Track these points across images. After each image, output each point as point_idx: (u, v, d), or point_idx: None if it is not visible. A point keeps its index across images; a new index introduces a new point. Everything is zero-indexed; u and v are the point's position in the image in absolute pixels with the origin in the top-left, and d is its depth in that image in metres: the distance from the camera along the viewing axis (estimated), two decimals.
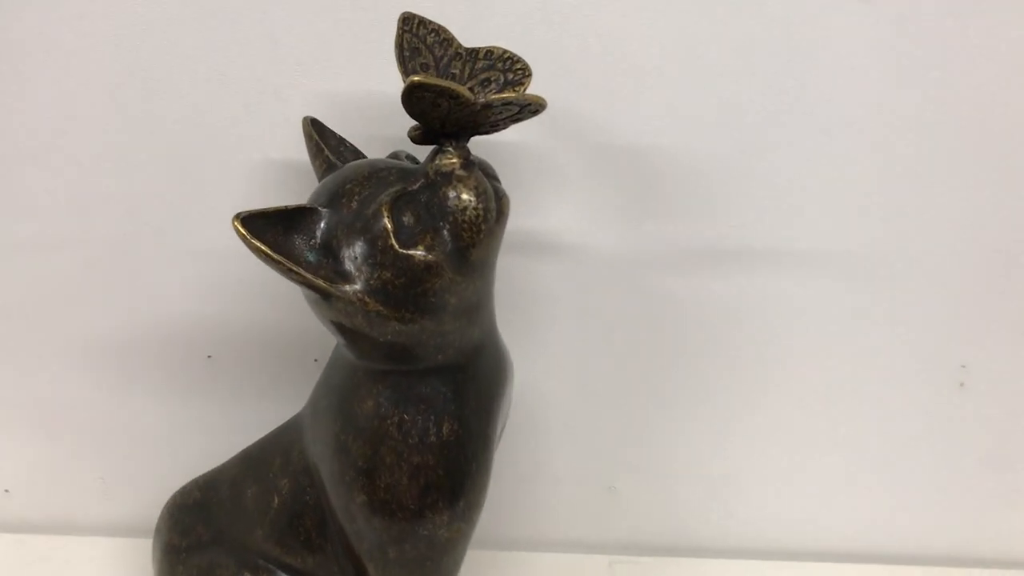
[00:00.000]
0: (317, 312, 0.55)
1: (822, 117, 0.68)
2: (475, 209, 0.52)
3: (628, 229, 0.72)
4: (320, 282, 0.51)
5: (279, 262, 0.50)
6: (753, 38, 0.66)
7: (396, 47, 0.55)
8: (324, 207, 0.53)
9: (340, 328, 0.55)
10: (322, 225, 0.53)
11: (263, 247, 0.49)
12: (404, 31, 0.56)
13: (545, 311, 0.75)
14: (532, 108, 0.51)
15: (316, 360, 0.77)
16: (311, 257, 0.52)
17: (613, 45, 0.67)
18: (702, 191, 0.71)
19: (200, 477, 0.69)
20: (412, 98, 0.48)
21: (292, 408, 0.74)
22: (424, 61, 0.55)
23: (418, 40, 0.56)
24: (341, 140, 0.62)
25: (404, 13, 0.56)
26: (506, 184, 0.55)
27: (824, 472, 0.80)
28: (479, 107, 0.49)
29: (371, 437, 0.56)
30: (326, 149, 0.59)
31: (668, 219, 0.72)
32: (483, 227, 0.52)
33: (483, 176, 0.53)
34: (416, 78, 0.46)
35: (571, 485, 0.83)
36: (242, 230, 0.49)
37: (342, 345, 0.58)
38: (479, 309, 0.57)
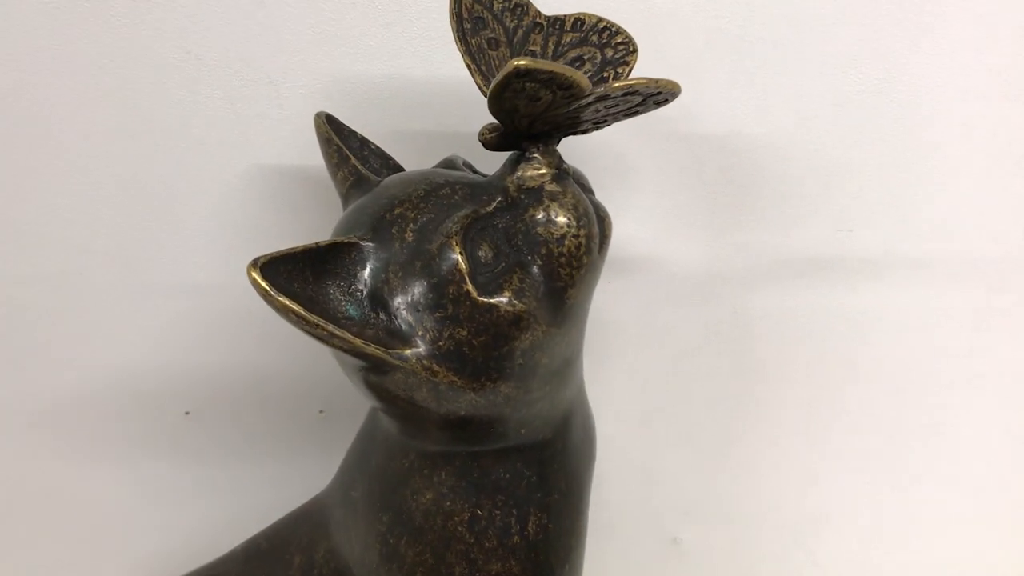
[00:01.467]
0: (356, 379, 0.41)
1: (945, 109, 0.55)
2: (575, 237, 0.38)
3: (708, 237, 0.59)
4: (372, 349, 0.37)
5: (316, 325, 0.35)
6: (871, 11, 0.52)
7: (452, 17, 0.40)
8: (366, 240, 0.38)
9: (390, 401, 0.40)
10: (367, 266, 0.38)
11: (294, 306, 0.35)
12: None
13: (603, 334, 0.63)
14: (659, 98, 0.36)
15: (322, 412, 0.62)
16: (352, 311, 0.38)
17: (697, 13, 0.52)
18: (802, 191, 0.58)
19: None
20: (508, 91, 0.33)
21: (295, 474, 0.61)
22: (492, 35, 0.41)
23: (482, 6, 0.41)
24: (364, 141, 0.47)
25: None
26: None
27: (928, 515, 0.68)
28: (592, 100, 0.35)
29: (433, 540, 0.42)
30: (351, 155, 0.44)
31: (756, 225, 0.59)
32: (585, 260, 0.38)
33: (580, 191, 0.39)
34: (522, 62, 0.31)
35: (627, 536, 0.70)
36: (263, 283, 0.34)
37: (389, 421, 0.43)
38: (571, 366, 0.43)
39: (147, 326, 0.58)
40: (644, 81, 0.35)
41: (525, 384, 0.40)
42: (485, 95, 0.39)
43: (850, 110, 0.56)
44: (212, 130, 0.53)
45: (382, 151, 0.48)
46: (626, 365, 0.64)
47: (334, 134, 0.45)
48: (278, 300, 0.35)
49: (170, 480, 0.63)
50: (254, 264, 0.35)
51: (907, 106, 0.57)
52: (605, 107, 0.37)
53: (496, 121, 0.39)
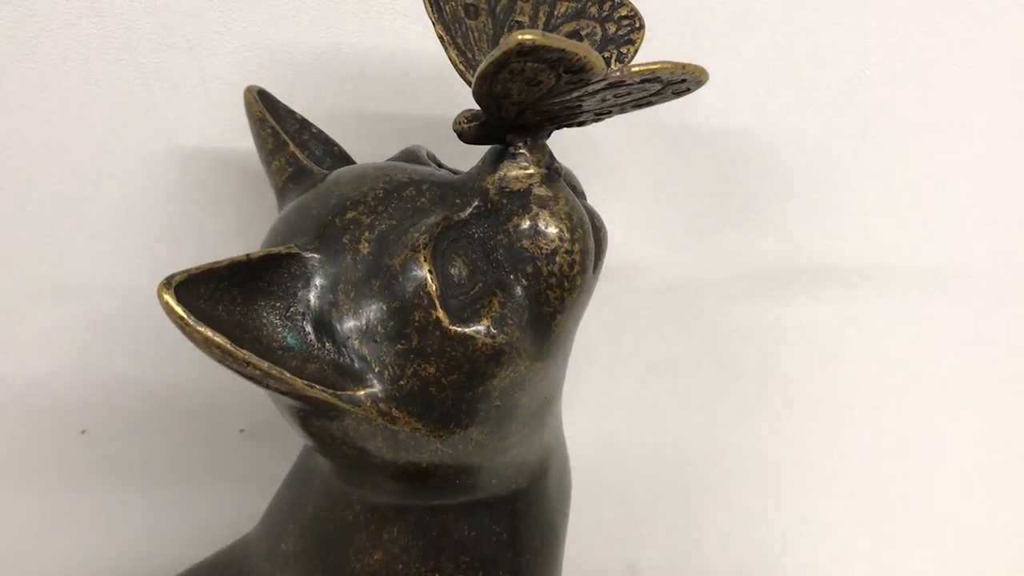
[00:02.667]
0: (292, 421, 0.33)
1: (953, 104, 0.49)
2: (568, 253, 0.31)
3: (688, 241, 0.52)
4: (317, 391, 0.29)
5: (245, 362, 0.27)
6: (873, 15, 0.46)
7: None
8: (310, 251, 0.31)
9: (335, 449, 0.33)
10: (311, 284, 0.31)
11: (218, 339, 0.27)
12: None
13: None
14: (680, 87, 0.29)
15: (242, 431, 0.53)
16: (291, 340, 0.30)
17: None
18: (792, 191, 0.52)
19: None
20: (504, 71, 0.26)
21: (211, 500, 0.52)
22: (471, 1, 0.33)
23: None
24: (303, 123, 0.39)
25: None
26: None
27: (905, 533, 0.63)
28: (603, 86, 0.28)
29: None
30: (289, 140, 0.36)
31: (741, 230, 0.52)
32: (578, 280, 0.31)
33: (574, 195, 0.32)
34: (528, 36, 0.24)
35: (582, 561, 0.62)
36: (178, 309, 0.27)
37: (330, 466, 0.35)
38: (552, 402, 0.36)
39: (37, 333, 0.48)
40: (669, 65, 0.28)
41: (501, 429, 0.33)
42: (463, 74, 0.32)
43: (846, 116, 0.50)
44: (118, 104, 0.44)
45: (325, 136, 0.40)
46: (593, 381, 0.57)
47: (268, 113, 0.37)
48: (198, 331, 0.27)
49: (66, 507, 0.54)
50: (167, 284, 0.27)
51: (904, 114, 0.51)
52: (615, 96, 0.30)
53: (477, 108, 0.31)
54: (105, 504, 0.54)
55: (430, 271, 0.30)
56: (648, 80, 0.28)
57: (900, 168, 0.53)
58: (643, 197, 0.51)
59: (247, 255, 0.30)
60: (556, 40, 0.25)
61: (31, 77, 0.42)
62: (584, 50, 0.26)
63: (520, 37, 0.24)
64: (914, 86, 0.50)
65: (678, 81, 0.29)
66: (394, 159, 0.36)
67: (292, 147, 0.36)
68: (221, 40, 0.43)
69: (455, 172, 0.36)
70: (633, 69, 0.28)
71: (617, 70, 0.27)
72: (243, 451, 0.55)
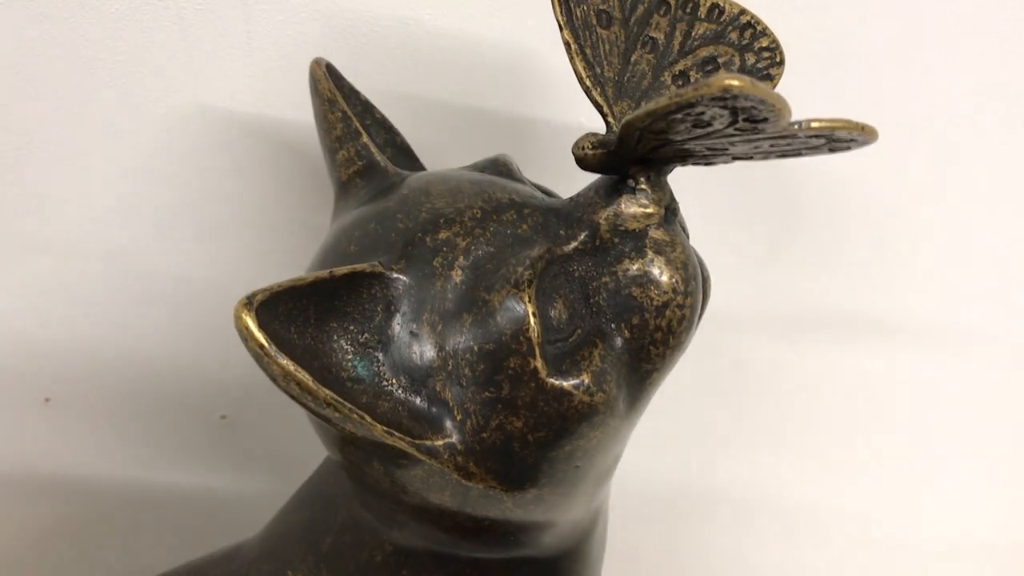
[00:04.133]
0: (343, 458, 0.29)
1: (976, 176, 0.48)
2: (679, 308, 0.27)
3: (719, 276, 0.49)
4: (395, 440, 0.25)
5: (327, 403, 0.23)
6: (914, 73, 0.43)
7: None
8: (396, 271, 0.26)
9: (392, 495, 0.29)
10: (392, 309, 0.27)
11: (300, 374, 0.23)
12: None
13: None
14: (842, 146, 0.26)
15: (224, 417, 0.49)
16: (362, 370, 0.26)
17: None
18: (827, 225, 0.49)
19: None
20: (682, 112, 0.22)
21: (189, 487, 0.47)
22: (605, 7, 0.29)
23: None
24: (367, 106, 0.35)
25: None
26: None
27: None
28: (769, 135, 0.24)
29: None
30: (363, 130, 0.32)
31: (770, 268, 0.49)
32: (684, 338, 0.28)
33: (689, 242, 0.28)
34: (736, 83, 0.20)
35: None
36: (259, 336, 0.23)
37: (363, 503, 0.31)
38: (618, 461, 0.32)
39: (17, 288, 0.43)
40: (851, 125, 0.24)
41: (574, 490, 0.30)
42: (588, 91, 0.28)
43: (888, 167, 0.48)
44: (149, 50, 0.39)
45: (388, 123, 0.36)
46: None
47: (339, 93, 0.32)
48: (277, 365, 0.23)
49: (26, 475, 0.48)
50: (248, 305, 0.23)
51: (937, 171, 0.48)
52: (770, 144, 0.26)
53: (603, 135, 0.27)
54: (69, 476, 0.49)
55: (533, 314, 0.26)
56: (818, 135, 0.25)
57: (956, 231, 0.50)
58: None
59: (330, 272, 0.26)
60: (764, 91, 0.21)
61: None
62: (783, 103, 0.22)
63: (728, 83, 0.20)
64: (949, 153, 0.48)
65: (846, 140, 0.26)
66: (479, 166, 0.32)
67: (365, 137, 0.32)
68: None
69: (544, 191, 0.32)
70: (814, 124, 0.24)
71: (796, 124, 0.24)
72: (223, 438, 0.50)
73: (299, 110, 0.40)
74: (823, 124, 0.24)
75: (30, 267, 0.44)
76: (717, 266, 0.43)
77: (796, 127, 0.24)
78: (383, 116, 0.36)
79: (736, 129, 0.24)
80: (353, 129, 0.32)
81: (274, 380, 0.24)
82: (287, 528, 0.36)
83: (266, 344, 0.23)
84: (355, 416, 0.25)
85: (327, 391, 0.24)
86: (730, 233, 0.48)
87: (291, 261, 0.45)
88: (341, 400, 0.25)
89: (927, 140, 0.47)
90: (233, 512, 0.51)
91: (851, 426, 0.56)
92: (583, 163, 0.28)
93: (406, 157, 0.36)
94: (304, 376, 0.24)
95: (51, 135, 0.39)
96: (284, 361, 0.23)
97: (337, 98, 0.32)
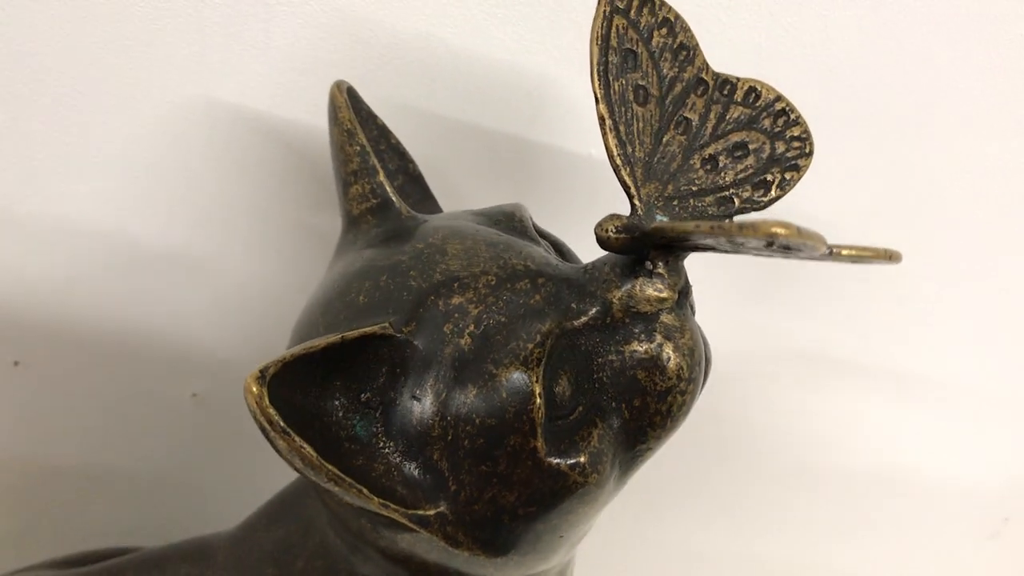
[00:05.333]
0: (327, 501, 0.29)
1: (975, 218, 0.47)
2: (681, 394, 0.28)
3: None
4: (390, 511, 0.25)
5: (328, 477, 0.23)
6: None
7: (596, 40, 0.28)
8: (405, 333, 0.26)
9: (378, 548, 0.29)
10: (397, 372, 0.27)
11: (306, 449, 0.23)
12: (615, 9, 0.28)
13: None
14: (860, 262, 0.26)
15: (195, 395, 0.48)
16: (360, 430, 0.26)
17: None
18: (816, 281, 0.49)
19: None
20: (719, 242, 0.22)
21: (154, 463, 0.47)
22: (643, 83, 0.28)
23: (637, 34, 0.28)
24: (384, 131, 0.35)
25: None
26: None
27: None
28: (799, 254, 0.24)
29: None
30: (379, 167, 0.31)
31: (758, 308, 0.49)
32: (680, 421, 0.29)
33: (697, 326, 0.29)
34: (782, 231, 0.20)
35: None
36: (270, 411, 0.22)
37: (338, 534, 0.32)
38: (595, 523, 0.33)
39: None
40: (879, 254, 0.25)
41: (554, 555, 0.30)
42: (617, 170, 0.28)
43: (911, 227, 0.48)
44: (164, 39, 0.37)
45: (402, 149, 0.35)
46: None
47: (359, 126, 0.32)
48: (283, 440, 0.23)
49: None
50: (260, 378, 0.22)
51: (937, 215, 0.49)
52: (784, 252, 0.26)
53: (626, 219, 0.27)
54: (35, 443, 0.48)
55: (539, 394, 0.26)
56: (844, 259, 0.25)
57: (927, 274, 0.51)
58: None
59: (342, 337, 0.25)
60: (807, 236, 0.21)
61: None
62: (820, 241, 0.22)
63: (774, 230, 0.20)
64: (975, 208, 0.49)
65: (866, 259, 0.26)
66: (494, 217, 0.31)
67: (382, 175, 0.31)
68: (299, 1, 0.37)
69: (555, 242, 0.32)
70: (844, 252, 0.24)
71: (827, 250, 0.24)
72: (194, 415, 0.50)
73: (310, 114, 0.39)
74: (853, 252, 0.24)
75: (9, 236, 0.42)
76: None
77: (826, 252, 0.24)
78: (398, 142, 0.35)
79: (768, 252, 0.24)
80: (370, 165, 0.31)
81: (278, 452, 0.24)
82: (259, 541, 0.36)
83: (274, 420, 0.23)
84: (354, 491, 0.25)
85: (330, 467, 0.24)
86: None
87: (279, 257, 0.44)
88: (342, 476, 0.24)
89: (907, 187, 0.47)
90: (202, 490, 0.51)
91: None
92: (604, 245, 0.28)
93: (418, 186, 0.35)
94: (309, 452, 0.24)
95: (56, 111, 0.38)
96: (293, 437, 0.23)
97: (357, 131, 0.32)
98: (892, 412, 0.55)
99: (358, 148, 0.32)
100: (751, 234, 0.20)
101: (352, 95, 0.33)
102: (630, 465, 0.29)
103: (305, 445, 0.24)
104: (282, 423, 0.23)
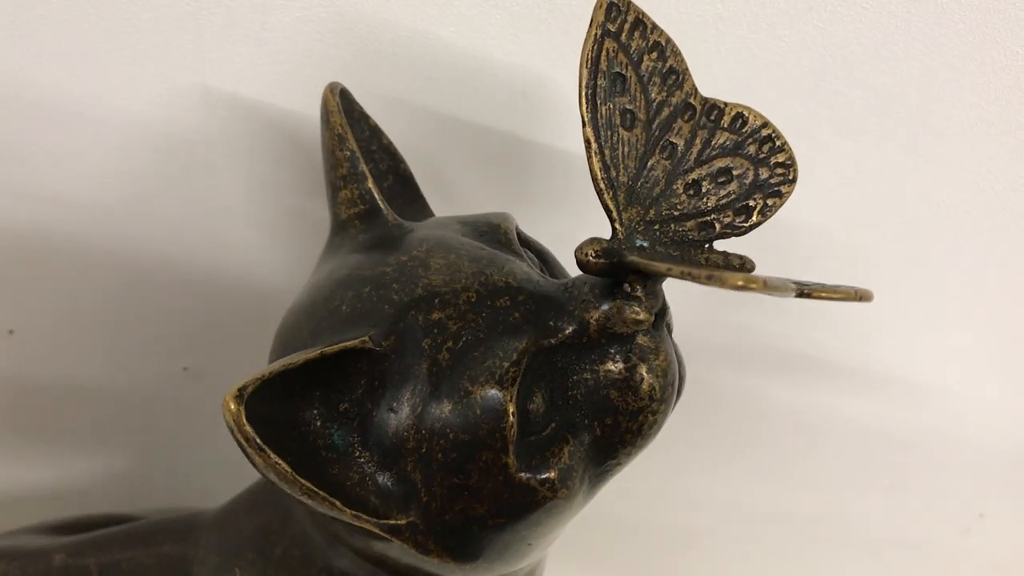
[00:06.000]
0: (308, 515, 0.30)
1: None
2: (653, 414, 0.28)
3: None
4: (362, 522, 0.26)
5: (302, 491, 0.24)
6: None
7: (585, 63, 0.28)
8: (384, 347, 0.27)
9: (353, 549, 0.30)
10: (375, 385, 0.28)
11: (282, 465, 0.24)
12: (606, 32, 0.28)
13: None
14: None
15: (186, 369, 0.49)
16: (338, 439, 0.27)
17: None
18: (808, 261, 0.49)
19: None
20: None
21: (146, 436, 0.48)
22: (631, 107, 0.29)
23: (627, 58, 0.28)
24: (375, 131, 0.35)
25: None
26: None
27: None
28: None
29: None
30: (368, 173, 0.32)
31: (744, 305, 0.50)
32: (651, 440, 0.29)
33: (672, 348, 0.29)
34: (739, 281, 0.21)
35: None
36: (248, 429, 0.23)
37: (317, 529, 0.32)
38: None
39: None
40: (850, 295, 0.25)
41: (522, 562, 0.31)
42: (601, 193, 0.28)
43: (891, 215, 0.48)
44: (159, 27, 0.37)
45: (394, 149, 0.35)
46: None
47: (349, 130, 0.32)
48: (260, 456, 0.24)
49: None
50: (239, 397, 0.23)
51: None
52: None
53: (606, 243, 0.28)
54: (29, 411, 0.49)
55: (513, 413, 0.27)
56: (810, 296, 0.25)
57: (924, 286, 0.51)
58: None
59: (321, 352, 0.26)
60: (774, 287, 0.21)
61: None
62: (788, 289, 0.22)
63: (741, 283, 0.21)
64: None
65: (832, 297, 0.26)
66: (479, 227, 0.32)
67: (370, 181, 0.32)
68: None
69: (540, 251, 0.32)
70: (815, 293, 0.25)
71: (798, 291, 0.24)
72: (185, 389, 0.51)
73: (304, 105, 0.39)
74: (824, 294, 0.25)
75: (5, 209, 0.43)
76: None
77: (793, 295, 0.24)
78: (390, 142, 0.35)
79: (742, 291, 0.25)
80: (359, 171, 0.32)
81: (255, 466, 0.24)
82: (240, 526, 0.37)
83: (251, 438, 0.24)
84: (327, 504, 0.26)
85: (304, 482, 0.25)
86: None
87: (272, 238, 0.44)
88: (315, 490, 0.25)
89: (902, 195, 0.47)
90: (193, 463, 0.52)
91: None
92: (583, 268, 0.28)
93: (408, 187, 0.36)
94: (284, 467, 0.24)
95: (49, 95, 0.38)
96: (269, 453, 0.24)
97: (347, 135, 0.32)
98: (869, 409, 0.56)
99: (348, 153, 0.32)
100: (718, 285, 0.21)
101: (345, 96, 0.33)
102: (600, 479, 0.30)
103: (280, 461, 0.24)
104: (259, 440, 0.24)
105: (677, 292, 0.31)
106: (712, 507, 0.58)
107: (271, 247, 0.45)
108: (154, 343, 0.49)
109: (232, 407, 0.23)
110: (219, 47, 0.37)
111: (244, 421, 0.23)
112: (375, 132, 0.35)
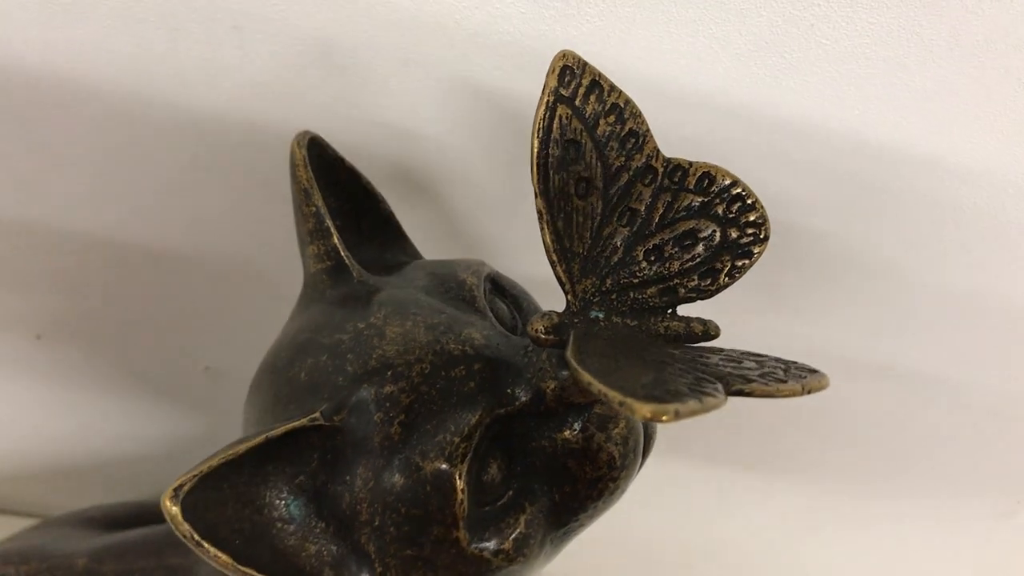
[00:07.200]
0: None
1: None
2: (612, 481, 0.28)
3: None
4: None
5: (242, 574, 0.25)
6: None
7: (537, 133, 0.27)
8: (336, 422, 0.27)
9: None
10: (329, 459, 0.28)
11: (223, 556, 0.24)
12: (559, 98, 0.27)
13: None
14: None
15: (207, 368, 0.51)
16: (295, 510, 0.28)
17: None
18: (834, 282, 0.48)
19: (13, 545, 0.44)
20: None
21: (166, 432, 0.50)
22: (586, 174, 0.28)
23: (581, 123, 0.27)
24: (353, 173, 0.34)
25: (564, 53, 0.27)
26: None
27: None
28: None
29: None
30: (334, 230, 0.31)
31: (768, 309, 0.48)
32: (613, 503, 0.29)
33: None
34: (648, 412, 0.20)
35: None
36: (185, 527, 0.25)
37: None
38: None
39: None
40: (796, 391, 0.24)
41: None
42: (554, 265, 0.27)
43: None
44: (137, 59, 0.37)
45: (372, 189, 0.35)
46: None
47: (315, 187, 0.32)
48: (201, 549, 0.24)
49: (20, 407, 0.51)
50: (174, 497, 0.24)
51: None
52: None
53: (557, 319, 0.27)
54: (58, 412, 0.52)
55: (462, 490, 0.27)
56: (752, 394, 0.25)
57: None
58: None
59: (266, 436, 0.26)
60: (688, 414, 0.21)
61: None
62: (706, 409, 0.22)
63: (647, 413, 0.20)
64: None
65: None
66: (446, 277, 0.32)
67: (335, 238, 0.32)
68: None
69: (517, 296, 0.32)
70: (756, 387, 0.24)
71: (748, 390, 0.24)
72: (207, 388, 0.52)
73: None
74: (766, 392, 0.24)
75: (28, 217, 0.44)
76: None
77: (747, 391, 0.24)
78: (368, 182, 0.35)
79: None
80: (325, 227, 0.32)
81: (200, 555, 0.25)
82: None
83: (188, 534, 0.24)
84: None
85: (246, 570, 0.26)
86: None
87: (286, 235, 0.45)
88: (253, 573, 0.26)
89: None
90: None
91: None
92: (536, 343, 0.28)
93: (388, 226, 0.36)
94: (225, 559, 0.25)
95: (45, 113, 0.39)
96: (207, 546, 0.25)
97: (313, 191, 0.32)
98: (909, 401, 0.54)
99: (313, 209, 0.32)
100: (629, 412, 0.20)
101: (315, 145, 0.33)
102: (563, 539, 0.30)
103: (220, 554, 0.25)
104: (196, 536, 0.25)
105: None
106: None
107: (289, 242, 0.45)
108: (176, 343, 0.50)
109: (167, 505, 0.24)
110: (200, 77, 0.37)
111: (181, 520, 0.24)
112: (352, 174, 0.34)
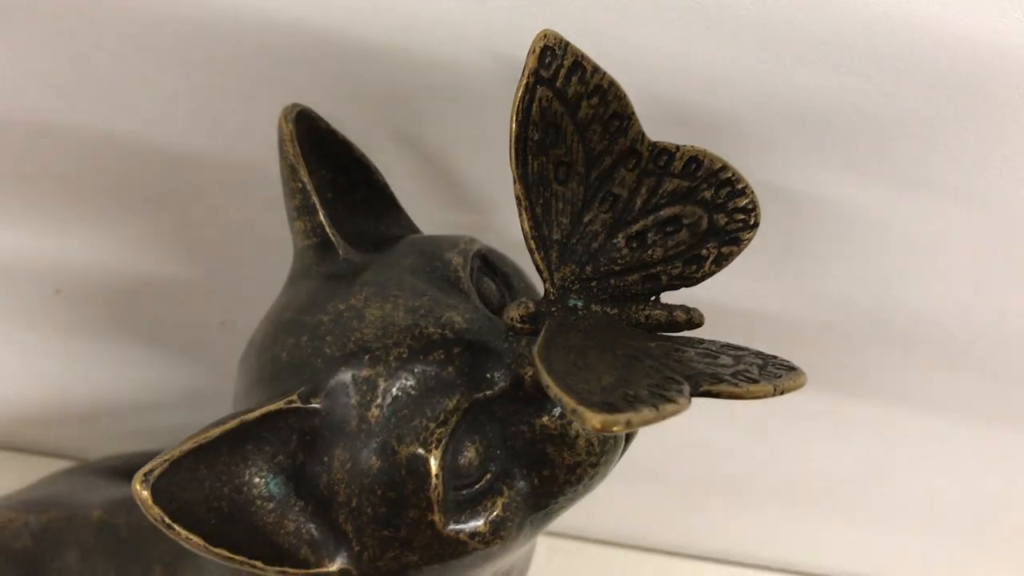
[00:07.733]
0: None
1: None
2: (591, 467, 0.28)
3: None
4: (292, 574, 0.27)
5: (221, 557, 0.26)
6: None
7: (516, 115, 0.26)
8: (314, 403, 0.27)
9: None
10: (308, 440, 0.28)
11: (195, 538, 0.25)
12: (539, 79, 0.26)
13: None
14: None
15: (223, 323, 0.51)
16: (275, 488, 0.28)
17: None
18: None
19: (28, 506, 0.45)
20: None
21: (182, 385, 0.51)
22: (566, 159, 0.27)
23: (562, 106, 0.27)
24: (346, 145, 0.34)
25: (545, 34, 0.26)
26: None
27: None
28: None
29: None
30: (320, 206, 0.31)
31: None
32: (593, 488, 0.29)
33: None
34: (598, 424, 0.20)
35: None
36: (155, 510, 0.25)
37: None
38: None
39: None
40: (767, 391, 0.24)
41: None
42: (532, 252, 0.27)
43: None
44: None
45: (366, 160, 0.35)
46: None
47: (302, 162, 0.31)
48: (173, 531, 0.25)
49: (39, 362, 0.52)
50: (144, 480, 0.24)
51: None
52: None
53: (534, 308, 0.27)
54: (81, 363, 0.53)
55: (437, 475, 0.27)
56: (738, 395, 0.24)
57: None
58: None
59: (241, 420, 0.27)
60: (633, 426, 0.20)
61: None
62: (676, 409, 0.21)
63: (596, 425, 0.20)
64: None
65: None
66: (433, 255, 0.31)
67: (321, 215, 0.31)
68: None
69: (509, 274, 0.32)
70: (750, 387, 0.23)
71: (716, 391, 0.23)
72: (222, 342, 0.53)
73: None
74: (756, 391, 0.24)
75: (46, 170, 0.45)
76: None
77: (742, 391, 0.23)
78: (362, 153, 0.35)
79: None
80: (311, 204, 0.31)
81: (173, 539, 0.26)
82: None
83: (159, 517, 0.25)
84: (247, 566, 0.27)
85: (217, 550, 0.26)
86: None
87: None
88: (232, 555, 0.26)
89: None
90: (227, 408, 0.55)
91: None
92: (515, 332, 0.27)
93: (383, 197, 0.35)
94: (197, 540, 0.26)
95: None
96: (179, 528, 0.25)
97: (299, 167, 0.31)
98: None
99: (300, 185, 0.31)
100: (579, 422, 0.20)
101: (303, 118, 0.32)
102: (542, 522, 0.30)
103: (192, 536, 0.25)
104: (166, 518, 0.25)
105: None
106: None
107: None
108: (192, 299, 0.51)
109: (138, 489, 0.24)
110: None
111: (151, 504, 0.25)
112: (345, 146, 0.34)
